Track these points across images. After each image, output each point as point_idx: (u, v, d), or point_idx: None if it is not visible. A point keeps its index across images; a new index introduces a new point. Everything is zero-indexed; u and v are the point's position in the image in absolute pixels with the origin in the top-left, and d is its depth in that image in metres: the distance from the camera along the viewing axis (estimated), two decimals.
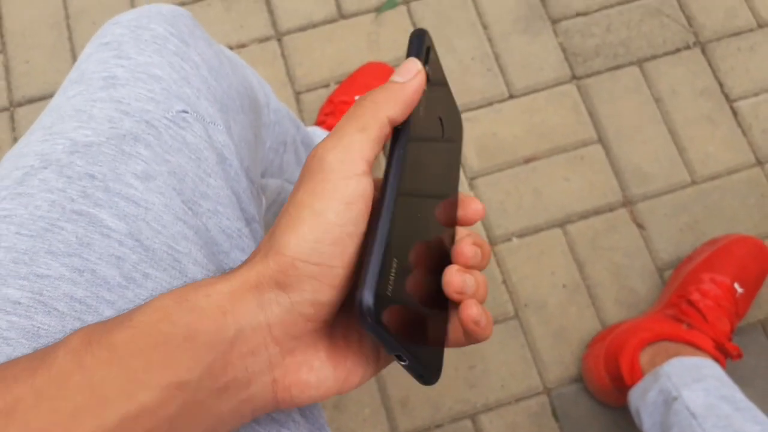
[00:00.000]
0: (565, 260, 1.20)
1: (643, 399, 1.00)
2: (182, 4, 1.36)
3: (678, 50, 1.32)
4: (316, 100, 1.31)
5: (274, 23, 1.36)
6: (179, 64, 0.50)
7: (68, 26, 1.37)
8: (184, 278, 0.42)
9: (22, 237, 0.41)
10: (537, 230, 1.22)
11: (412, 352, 0.35)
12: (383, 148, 0.37)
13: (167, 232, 0.43)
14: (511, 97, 1.30)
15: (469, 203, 0.43)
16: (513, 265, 1.20)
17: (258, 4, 1.38)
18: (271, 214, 0.82)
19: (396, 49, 1.33)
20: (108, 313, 0.39)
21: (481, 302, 0.39)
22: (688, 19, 1.34)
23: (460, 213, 0.43)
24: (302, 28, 1.36)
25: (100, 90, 0.47)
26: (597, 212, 1.23)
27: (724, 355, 1.03)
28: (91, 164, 0.43)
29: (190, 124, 0.47)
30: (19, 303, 0.38)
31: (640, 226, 1.22)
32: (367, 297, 0.33)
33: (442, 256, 0.40)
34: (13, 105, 1.31)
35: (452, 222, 0.42)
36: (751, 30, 1.33)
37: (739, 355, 1.03)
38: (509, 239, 1.21)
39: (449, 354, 1.16)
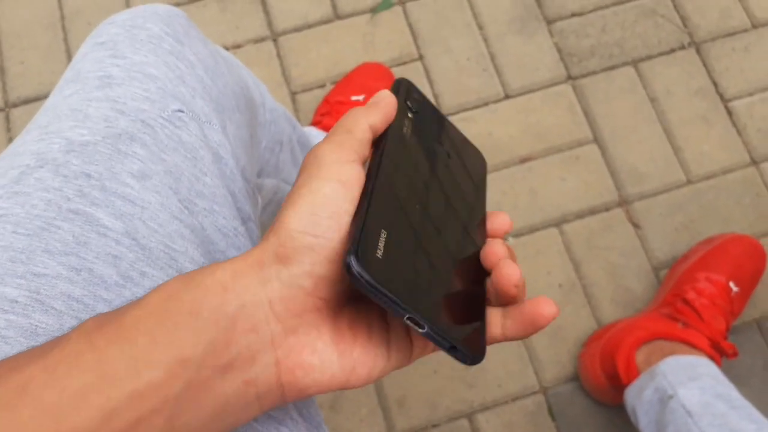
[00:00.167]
0: (561, 260, 1.20)
1: (639, 397, 1.00)
2: (177, 5, 1.36)
3: (673, 50, 1.33)
4: (311, 100, 1.31)
5: (269, 24, 1.37)
6: (174, 63, 0.50)
7: (63, 27, 1.37)
8: None
9: (19, 236, 0.41)
10: (533, 230, 1.22)
11: (427, 318, 0.35)
12: (366, 159, 0.40)
13: (164, 230, 0.43)
14: (507, 97, 1.30)
15: (497, 216, 0.44)
16: None
17: (253, 5, 1.38)
18: (267, 213, 0.82)
19: (391, 49, 1.34)
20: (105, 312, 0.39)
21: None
22: (683, 19, 1.35)
23: (489, 227, 0.43)
24: (298, 29, 1.36)
25: (95, 89, 0.47)
26: (593, 212, 1.23)
27: (719, 353, 1.03)
28: (88, 163, 0.43)
29: (185, 123, 0.47)
30: (17, 301, 0.39)
31: (636, 226, 1.22)
32: (350, 251, 0.34)
33: (467, 261, 0.41)
34: (8, 106, 1.31)
35: (481, 237, 0.43)
36: (746, 30, 1.33)
37: (735, 354, 1.03)
38: (505, 239, 1.21)
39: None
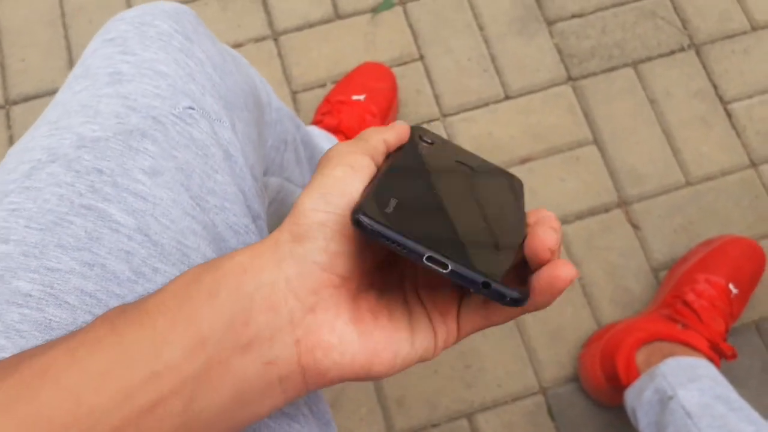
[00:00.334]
0: None
1: (638, 398, 1.00)
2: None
3: (672, 52, 1.33)
4: (312, 99, 1.31)
5: (270, 23, 1.37)
6: (184, 60, 0.50)
7: (64, 24, 1.36)
8: None
9: (32, 230, 0.41)
10: None
11: (448, 255, 0.34)
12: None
13: (175, 227, 0.43)
14: (507, 97, 1.31)
15: (538, 211, 0.42)
16: None
17: (254, 4, 1.38)
18: (271, 211, 0.82)
19: (392, 49, 1.34)
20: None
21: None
22: (683, 21, 1.35)
23: (532, 221, 0.41)
24: (299, 28, 1.36)
25: (106, 86, 0.47)
26: (592, 212, 1.23)
27: (718, 355, 1.03)
28: (99, 159, 0.43)
29: (196, 121, 0.47)
30: (31, 295, 0.39)
31: (635, 227, 1.22)
32: (357, 206, 0.34)
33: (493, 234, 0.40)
34: (9, 103, 1.31)
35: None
36: (745, 33, 1.34)
37: (734, 356, 1.03)
38: None
39: (444, 353, 1.16)
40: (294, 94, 1.31)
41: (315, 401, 0.47)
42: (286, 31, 1.36)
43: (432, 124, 1.29)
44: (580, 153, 1.27)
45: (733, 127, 1.28)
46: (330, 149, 0.39)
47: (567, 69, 1.32)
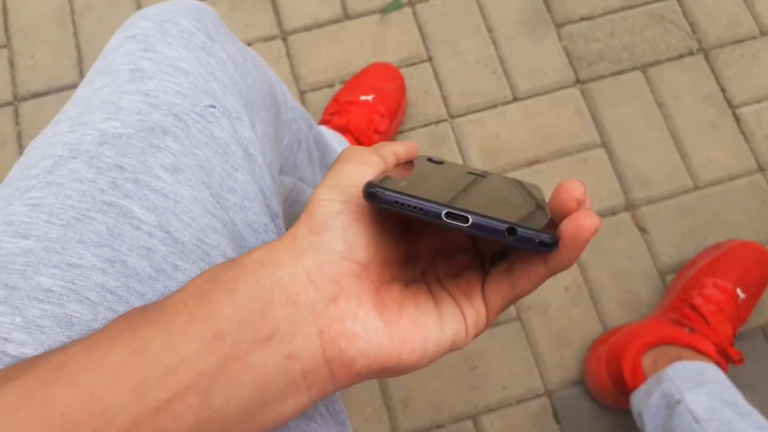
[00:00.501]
0: None
1: (645, 402, 1.00)
2: None
3: (681, 56, 1.33)
4: (320, 99, 1.31)
5: (279, 23, 1.37)
6: (206, 59, 0.50)
7: (73, 21, 1.37)
8: None
9: (53, 226, 0.41)
10: None
11: (467, 210, 0.33)
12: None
13: (196, 224, 0.43)
14: (515, 99, 1.31)
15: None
16: None
17: (263, 4, 1.38)
18: (283, 210, 0.82)
19: (401, 50, 1.34)
20: (138, 304, 0.39)
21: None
22: (692, 25, 1.35)
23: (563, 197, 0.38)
24: (307, 28, 1.36)
25: (127, 82, 0.47)
26: (600, 215, 1.23)
27: (726, 359, 1.03)
28: (121, 156, 0.43)
29: (217, 119, 0.47)
30: (52, 291, 0.39)
31: (643, 230, 1.22)
32: (369, 182, 0.34)
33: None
34: (18, 99, 1.31)
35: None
36: (754, 37, 1.34)
37: (741, 360, 1.03)
38: None
39: (450, 355, 1.16)
40: (302, 93, 1.32)
41: (332, 401, 0.47)
42: (294, 31, 1.36)
43: (440, 125, 1.29)
44: (588, 156, 1.27)
45: (742, 131, 1.28)
46: (342, 151, 0.39)
47: (575, 72, 1.32)
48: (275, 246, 0.36)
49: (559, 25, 1.36)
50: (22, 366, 0.33)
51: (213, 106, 0.47)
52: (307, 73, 1.33)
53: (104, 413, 0.31)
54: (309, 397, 0.35)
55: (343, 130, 1.19)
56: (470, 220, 0.33)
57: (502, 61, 1.33)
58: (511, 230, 0.32)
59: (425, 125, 1.29)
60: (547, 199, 0.45)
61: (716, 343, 1.03)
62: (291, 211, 0.83)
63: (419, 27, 1.36)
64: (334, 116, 1.22)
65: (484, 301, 0.38)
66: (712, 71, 1.32)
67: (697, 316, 1.05)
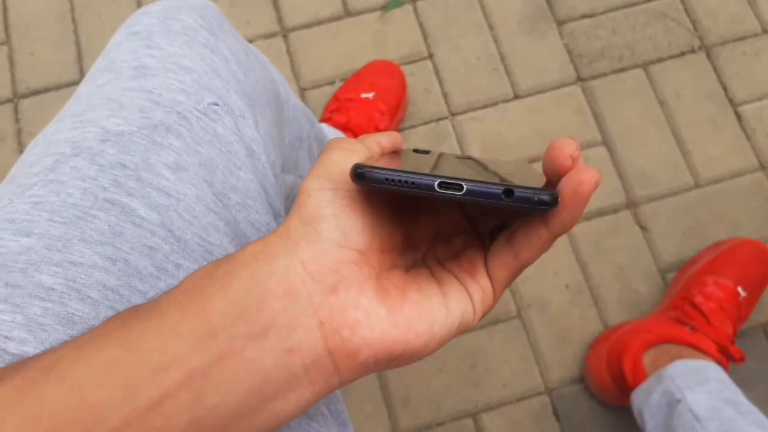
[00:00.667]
0: (568, 261, 1.21)
1: (646, 400, 1.00)
2: None
3: (683, 54, 1.33)
4: (321, 97, 1.31)
5: (279, 20, 1.36)
6: (209, 56, 0.50)
7: (73, 19, 1.36)
8: None
9: (55, 224, 0.40)
10: None
11: (461, 178, 0.32)
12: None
13: (199, 223, 0.43)
14: (516, 97, 1.30)
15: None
16: None
17: (264, 0, 1.37)
18: (284, 208, 0.82)
19: (401, 47, 1.34)
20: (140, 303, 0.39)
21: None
22: (694, 23, 1.35)
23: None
24: (308, 25, 1.36)
25: (130, 79, 0.47)
26: (600, 213, 1.23)
27: (726, 358, 1.03)
28: (123, 153, 0.43)
29: (220, 117, 0.47)
30: (53, 289, 0.39)
31: (644, 228, 1.22)
32: (355, 164, 0.33)
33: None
34: (17, 96, 1.31)
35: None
36: (756, 35, 1.34)
37: (742, 359, 1.03)
38: None
39: (450, 352, 1.16)
40: (302, 91, 1.31)
41: (333, 401, 0.46)
42: (295, 28, 1.36)
43: (440, 122, 1.29)
44: (589, 153, 1.26)
45: (743, 129, 1.28)
46: (327, 142, 0.39)
47: (577, 69, 1.32)
48: (269, 240, 0.35)
49: (560, 23, 1.35)
50: (15, 366, 0.33)
51: (216, 104, 0.47)
52: (308, 70, 1.33)
53: (94, 412, 0.30)
54: (312, 392, 0.34)
55: (344, 128, 1.19)
56: (464, 187, 0.32)
57: (503, 58, 1.33)
58: (508, 191, 0.31)
59: (426, 123, 1.29)
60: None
61: (717, 341, 1.03)
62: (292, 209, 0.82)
63: (420, 24, 1.35)
64: (334, 114, 1.22)
65: (489, 276, 0.37)
66: (714, 69, 1.32)
67: (697, 315, 1.05)
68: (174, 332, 0.32)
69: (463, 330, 0.37)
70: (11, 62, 1.33)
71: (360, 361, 0.34)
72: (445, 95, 1.30)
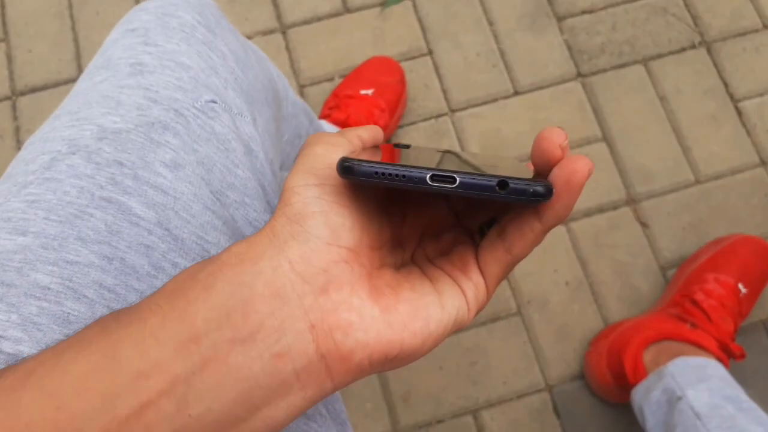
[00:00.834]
0: (569, 258, 1.20)
1: (646, 398, 1.00)
2: None
3: (683, 49, 1.32)
4: (320, 93, 1.30)
5: (278, 16, 1.36)
6: (207, 53, 0.49)
7: (71, 15, 1.36)
8: None
9: (51, 222, 0.40)
10: None
11: (452, 170, 0.31)
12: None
13: (196, 221, 0.43)
14: (516, 93, 1.30)
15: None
16: None
17: None
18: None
19: (401, 44, 1.33)
20: (136, 302, 0.39)
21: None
22: (694, 18, 1.34)
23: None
24: (307, 22, 1.35)
25: (127, 77, 0.47)
26: (601, 210, 1.23)
27: (727, 355, 1.03)
28: (120, 151, 0.43)
29: (218, 114, 0.47)
30: (49, 288, 0.38)
31: (644, 225, 1.22)
32: (341, 158, 0.32)
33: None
34: (15, 94, 1.30)
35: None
36: (757, 30, 1.33)
37: (743, 356, 1.03)
38: None
39: (450, 350, 1.16)
40: (301, 87, 1.31)
41: (332, 401, 0.46)
42: (294, 25, 1.35)
43: (440, 119, 1.28)
44: (589, 150, 1.26)
45: (744, 125, 1.27)
46: (307, 138, 0.37)
47: (577, 65, 1.32)
48: (254, 239, 0.33)
49: (560, 19, 1.35)
50: None
51: (214, 102, 0.47)
52: (307, 67, 1.32)
53: (71, 422, 0.29)
54: (303, 398, 0.33)
55: (343, 125, 1.18)
56: (457, 179, 0.31)
57: (502, 54, 1.33)
58: (503, 183, 0.31)
59: (425, 119, 1.28)
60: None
61: (717, 338, 1.03)
62: None
63: (419, 20, 1.35)
64: (333, 110, 1.21)
65: (481, 272, 0.36)
66: (714, 65, 1.31)
67: (698, 311, 1.05)
68: (155, 338, 0.31)
69: (458, 328, 0.36)
70: (9, 59, 1.32)
71: (354, 365, 0.33)
72: (444, 91, 1.30)
